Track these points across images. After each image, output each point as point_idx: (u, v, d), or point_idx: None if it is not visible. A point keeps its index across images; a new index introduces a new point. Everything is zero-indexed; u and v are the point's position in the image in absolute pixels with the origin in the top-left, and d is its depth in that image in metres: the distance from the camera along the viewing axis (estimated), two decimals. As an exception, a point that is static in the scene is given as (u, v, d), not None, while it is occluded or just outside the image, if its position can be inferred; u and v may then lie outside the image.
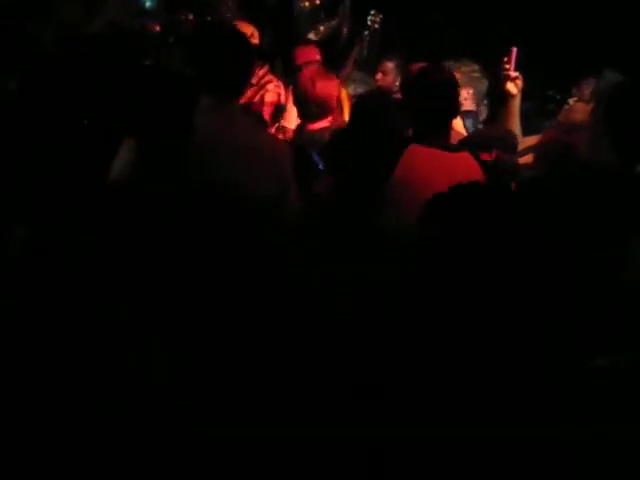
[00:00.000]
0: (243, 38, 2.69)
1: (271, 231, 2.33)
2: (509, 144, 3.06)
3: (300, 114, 3.61)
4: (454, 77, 2.77)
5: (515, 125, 3.24)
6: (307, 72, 3.71)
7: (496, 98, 3.45)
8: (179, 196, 2.02)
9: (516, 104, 3.24)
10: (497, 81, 3.29)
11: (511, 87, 3.21)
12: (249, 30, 4.34)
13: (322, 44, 5.01)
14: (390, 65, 4.69)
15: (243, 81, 2.68)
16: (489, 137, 3.13)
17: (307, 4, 5.05)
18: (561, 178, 2.40)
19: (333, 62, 4.84)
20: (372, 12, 4.86)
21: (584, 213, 2.16)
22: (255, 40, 4.42)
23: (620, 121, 2.22)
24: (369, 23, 4.88)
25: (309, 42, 5.02)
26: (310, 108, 3.50)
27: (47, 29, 3.30)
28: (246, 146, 2.51)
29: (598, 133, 2.26)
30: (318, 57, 4.78)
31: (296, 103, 3.66)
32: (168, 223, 1.97)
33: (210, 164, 2.31)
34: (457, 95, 2.76)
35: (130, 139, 2.17)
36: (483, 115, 4.35)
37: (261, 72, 4.47)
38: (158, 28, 4.35)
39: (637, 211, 2.09)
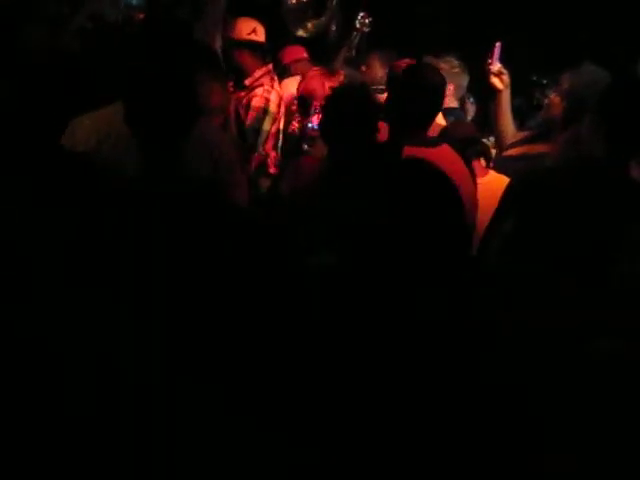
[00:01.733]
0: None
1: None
2: (466, 136, 3.20)
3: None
4: (442, 76, 2.84)
5: (506, 120, 3.34)
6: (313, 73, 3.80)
7: (488, 94, 3.54)
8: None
9: (505, 99, 3.35)
10: (483, 76, 3.39)
11: (496, 82, 3.32)
12: (252, 25, 4.38)
13: (311, 41, 5.09)
14: (375, 59, 4.76)
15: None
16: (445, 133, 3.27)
17: (295, 1, 5.13)
18: (552, 173, 2.48)
19: (321, 59, 4.94)
20: (361, 14, 4.92)
21: (578, 208, 2.24)
22: (258, 37, 4.46)
23: (615, 118, 2.30)
24: (358, 25, 4.94)
25: (296, 41, 5.11)
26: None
27: (33, 25, 3.36)
28: (195, 137, 2.45)
29: (591, 128, 2.33)
30: (305, 55, 4.87)
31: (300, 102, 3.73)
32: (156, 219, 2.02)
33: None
34: (443, 94, 2.84)
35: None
36: (471, 113, 4.45)
37: (258, 73, 4.44)
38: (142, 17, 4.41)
39: (630, 206, 2.17)
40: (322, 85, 3.73)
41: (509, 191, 2.79)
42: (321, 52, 5.12)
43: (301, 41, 5.15)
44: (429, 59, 3.89)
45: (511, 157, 3.43)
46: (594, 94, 2.90)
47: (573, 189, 2.28)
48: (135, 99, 2.16)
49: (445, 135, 3.35)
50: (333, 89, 3.42)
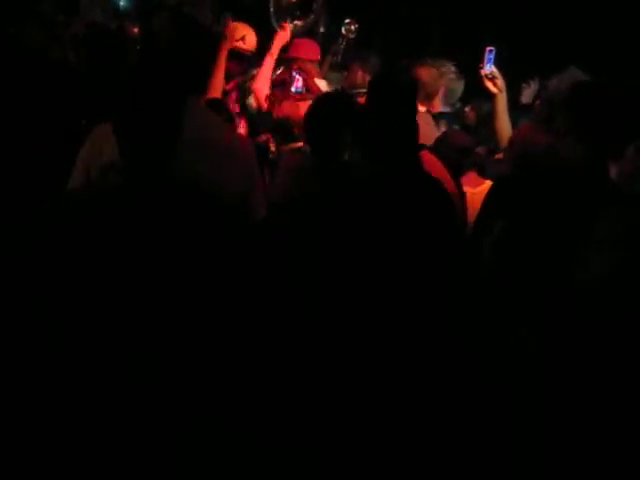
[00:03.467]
0: (204, 32, 2.75)
1: (239, 229, 2.43)
2: (462, 145, 3.37)
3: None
4: (414, 80, 2.99)
5: (502, 123, 3.50)
6: None
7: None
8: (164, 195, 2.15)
9: (500, 103, 3.50)
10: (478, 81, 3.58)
11: (490, 86, 3.49)
12: (242, 32, 4.54)
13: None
14: (355, 66, 4.92)
15: (204, 77, 2.77)
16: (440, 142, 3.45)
17: (283, 1, 5.27)
18: (531, 175, 2.65)
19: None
20: (347, 20, 5.04)
21: (552, 209, 2.41)
22: (246, 45, 4.62)
23: (590, 118, 2.47)
24: (343, 32, 5.08)
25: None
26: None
27: (28, 30, 3.51)
28: (212, 143, 2.58)
29: (566, 130, 2.49)
30: (318, 57, 4.89)
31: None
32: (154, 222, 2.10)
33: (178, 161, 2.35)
34: (415, 96, 3.00)
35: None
36: (471, 119, 4.59)
37: (239, 79, 4.56)
38: (136, 30, 4.56)
39: (603, 205, 2.34)
40: (296, 109, 3.93)
41: (492, 194, 2.96)
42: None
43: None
44: (425, 61, 4.05)
45: (497, 160, 3.61)
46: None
47: (554, 191, 2.45)
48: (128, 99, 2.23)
49: (441, 144, 3.51)
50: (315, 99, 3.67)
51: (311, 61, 4.56)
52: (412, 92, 2.78)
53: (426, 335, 1.86)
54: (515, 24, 5.61)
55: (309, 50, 4.60)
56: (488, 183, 3.61)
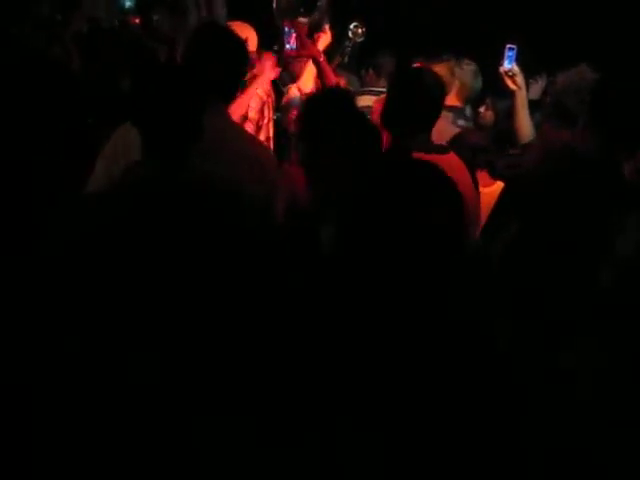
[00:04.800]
0: (236, 41, 2.81)
1: (262, 230, 2.52)
2: (477, 144, 3.42)
3: None
4: (440, 79, 3.04)
5: (523, 121, 3.54)
6: None
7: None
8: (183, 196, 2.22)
9: (519, 100, 3.56)
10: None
11: (509, 83, 3.56)
12: (244, 34, 4.59)
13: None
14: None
15: (233, 86, 2.83)
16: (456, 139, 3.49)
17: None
18: (545, 173, 2.69)
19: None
20: (354, 24, 5.11)
21: (567, 207, 2.45)
22: (249, 47, 4.68)
23: (607, 117, 2.50)
24: (350, 35, 5.15)
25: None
26: None
27: (26, 28, 3.55)
28: (232, 148, 2.67)
29: (584, 128, 2.53)
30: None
31: None
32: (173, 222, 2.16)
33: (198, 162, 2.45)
34: (444, 97, 3.04)
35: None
36: (490, 118, 4.63)
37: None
38: (138, 21, 4.62)
39: (623, 200, 2.37)
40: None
41: (506, 192, 2.99)
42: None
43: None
44: (444, 58, 4.12)
45: (509, 155, 3.66)
46: (579, 94, 3.15)
47: (569, 190, 2.48)
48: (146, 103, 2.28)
49: (456, 141, 3.53)
50: (310, 95, 3.71)
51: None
52: (441, 91, 2.84)
53: (426, 331, 1.88)
54: (523, 20, 5.65)
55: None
56: (499, 184, 3.64)
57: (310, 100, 2.99)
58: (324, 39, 4.36)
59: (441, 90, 2.96)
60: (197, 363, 2.07)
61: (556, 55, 4.19)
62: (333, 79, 3.82)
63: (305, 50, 4.00)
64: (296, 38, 4.01)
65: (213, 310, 2.12)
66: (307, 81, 4.29)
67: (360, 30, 5.00)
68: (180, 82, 2.22)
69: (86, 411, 1.99)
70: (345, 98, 3.11)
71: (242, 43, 2.84)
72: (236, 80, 2.84)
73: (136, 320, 2.09)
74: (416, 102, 2.86)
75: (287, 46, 3.98)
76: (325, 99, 2.91)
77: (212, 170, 2.34)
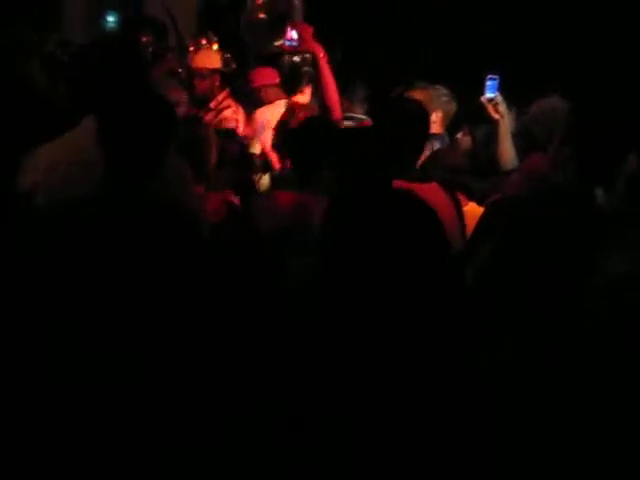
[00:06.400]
0: (127, 54, 2.93)
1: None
2: (452, 165, 3.55)
3: None
4: (423, 106, 3.15)
5: (505, 148, 3.68)
6: None
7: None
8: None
9: (502, 128, 3.70)
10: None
11: (491, 112, 3.70)
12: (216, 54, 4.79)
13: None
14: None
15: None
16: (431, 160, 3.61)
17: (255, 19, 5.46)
18: (529, 200, 2.79)
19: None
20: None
21: (551, 235, 2.54)
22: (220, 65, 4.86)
23: (582, 146, 2.62)
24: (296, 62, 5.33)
25: (265, 62, 5.45)
26: None
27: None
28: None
29: (557, 155, 2.65)
30: (277, 80, 5.19)
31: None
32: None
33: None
34: (428, 124, 3.14)
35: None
36: (466, 144, 4.77)
37: (220, 96, 4.94)
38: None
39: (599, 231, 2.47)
40: None
41: (484, 219, 3.09)
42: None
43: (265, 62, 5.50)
44: (419, 84, 4.25)
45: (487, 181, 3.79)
46: (548, 124, 3.29)
47: (545, 217, 2.58)
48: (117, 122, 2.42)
49: (433, 161, 3.66)
50: (295, 124, 3.86)
51: (272, 85, 5.00)
52: (424, 120, 2.93)
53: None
54: (499, 48, 5.81)
55: (268, 76, 5.04)
56: (472, 205, 3.75)
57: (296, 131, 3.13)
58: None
59: (425, 117, 3.06)
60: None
61: (528, 86, 4.35)
62: (331, 81, 3.89)
63: (306, 45, 4.06)
64: (298, 35, 4.08)
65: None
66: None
67: (309, 59, 5.17)
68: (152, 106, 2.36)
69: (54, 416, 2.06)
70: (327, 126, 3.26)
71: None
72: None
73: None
74: (401, 129, 2.95)
75: (286, 43, 4.02)
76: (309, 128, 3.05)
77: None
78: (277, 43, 4.91)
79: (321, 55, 3.99)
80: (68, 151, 2.65)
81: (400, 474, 1.79)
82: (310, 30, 4.05)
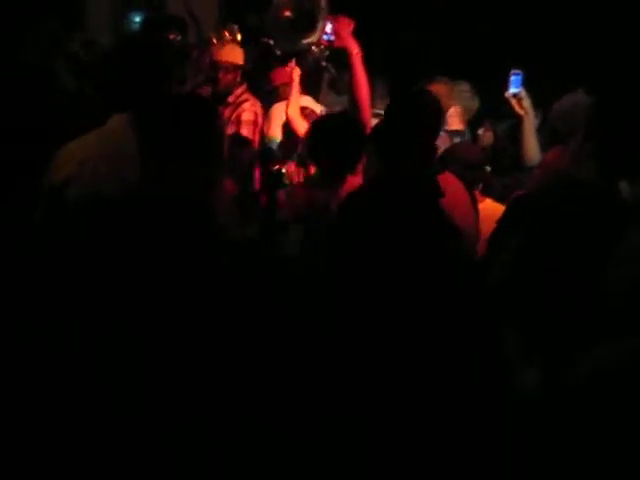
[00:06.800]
0: (159, 53, 2.95)
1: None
2: (469, 161, 3.56)
3: None
4: (438, 100, 3.18)
5: (530, 144, 3.72)
6: None
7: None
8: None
9: (526, 123, 3.73)
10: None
11: (516, 107, 3.74)
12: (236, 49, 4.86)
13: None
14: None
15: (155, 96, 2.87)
16: (449, 154, 3.64)
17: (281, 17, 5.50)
18: (549, 195, 2.82)
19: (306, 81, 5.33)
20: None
21: (572, 229, 2.57)
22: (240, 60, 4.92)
23: (604, 138, 2.64)
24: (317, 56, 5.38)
25: (284, 61, 5.52)
26: None
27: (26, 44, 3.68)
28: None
29: (580, 150, 2.67)
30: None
31: None
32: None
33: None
34: (442, 118, 3.18)
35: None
36: (487, 140, 4.80)
37: (238, 91, 5.02)
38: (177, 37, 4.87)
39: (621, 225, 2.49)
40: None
41: (507, 214, 3.12)
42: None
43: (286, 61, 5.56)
44: (441, 79, 4.28)
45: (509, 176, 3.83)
46: (570, 119, 3.31)
47: (568, 212, 2.61)
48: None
49: (451, 155, 3.69)
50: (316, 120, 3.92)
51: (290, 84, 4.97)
52: (438, 113, 2.96)
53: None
54: (523, 42, 5.82)
55: (287, 75, 5.04)
56: (488, 201, 3.78)
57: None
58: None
59: (437, 109, 3.10)
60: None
61: (553, 82, 4.37)
62: (364, 79, 3.93)
63: (339, 41, 4.07)
64: (332, 30, 4.11)
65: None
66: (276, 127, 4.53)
67: (325, 53, 5.20)
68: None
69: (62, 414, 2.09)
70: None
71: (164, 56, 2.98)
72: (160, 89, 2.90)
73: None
74: (412, 122, 2.99)
75: (324, 37, 4.09)
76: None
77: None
78: (306, 40, 4.97)
79: (355, 52, 3.97)
80: (97, 147, 2.70)
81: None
82: (350, 25, 4.04)
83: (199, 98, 2.67)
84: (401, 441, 1.91)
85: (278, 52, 4.77)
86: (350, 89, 4.00)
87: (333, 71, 5.33)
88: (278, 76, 5.37)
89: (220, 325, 2.17)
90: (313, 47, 5.23)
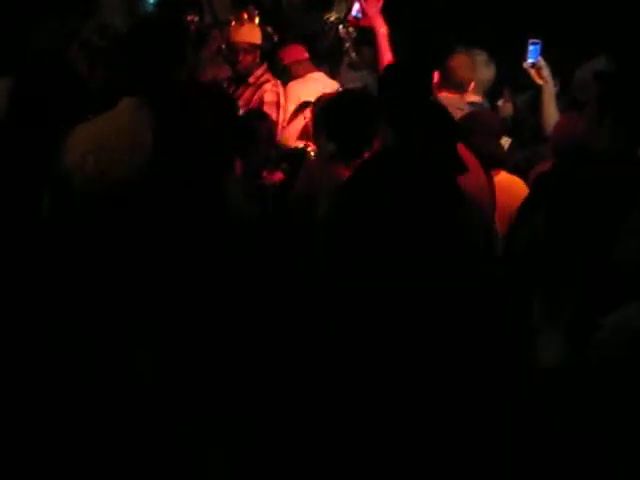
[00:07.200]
0: (175, 35, 2.91)
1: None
2: (491, 129, 3.51)
3: None
4: (422, 66, 3.16)
5: (550, 113, 3.70)
6: None
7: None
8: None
9: (546, 93, 3.72)
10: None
11: (535, 77, 3.71)
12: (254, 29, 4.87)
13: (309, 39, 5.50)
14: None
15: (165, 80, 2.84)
16: (469, 123, 3.59)
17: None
18: (568, 168, 2.80)
19: (319, 58, 5.35)
20: (341, 26, 5.30)
21: (587, 201, 2.55)
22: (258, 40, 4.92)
23: (621, 107, 2.61)
24: (342, 34, 5.35)
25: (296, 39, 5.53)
26: None
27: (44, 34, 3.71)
28: None
29: (595, 119, 2.63)
30: (306, 55, 5.26)
31: None
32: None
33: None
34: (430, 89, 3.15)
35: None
36: (507, 111, 4.76)
37: (259, 71, 5.02)
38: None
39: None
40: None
41: (533, 190, 3.11)
42: (318, 51, 5.54)
43: (301, 39, 5.56)
44: (458, 50, 4.25)
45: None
46: (588, 86, 3.26)
47: (590, 185, 2.59)
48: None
49: (470, 123, 3.61)
50: (332, 96, 3.90)
51: (302, 60, 5.13)
52: (420, 79, 2.94)
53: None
54: (541, 12, 5.74)
55: (297, 52, 5.16)
56: (503, 174, 3.73)
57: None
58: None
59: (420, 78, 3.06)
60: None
61: (572, 50, 4.31)
62: (389, 56, 3.90)
63: (366, 19, 4.07)
64: (361, 7, 4.11)
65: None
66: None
67: (351, 29, 5.18)
68: None
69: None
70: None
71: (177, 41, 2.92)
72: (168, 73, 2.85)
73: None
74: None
75: (353, 14, 4.14)
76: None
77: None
78: (326, 17, 4.93)
79: (381, 30, 3.95)
80: (101, 136, 2.70)
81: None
82: (378, 3, 4.05)
83: (211, 83, 2.66)
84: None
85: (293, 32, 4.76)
86: (376, 67, 3.99)
87: (353, 55, 5.33)
88: (288, 54, 5.38)
89: (229, 311, 2.18)
90: (340, 27, 5.26)
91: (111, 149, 2.64)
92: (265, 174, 4.33)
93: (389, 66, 3.15)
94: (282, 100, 4.97)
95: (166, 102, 2.55)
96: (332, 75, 5.23)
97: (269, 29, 5.30)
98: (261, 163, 4.07)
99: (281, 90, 5.02)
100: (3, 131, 2.83)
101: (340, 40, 5.44)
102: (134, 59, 2.81)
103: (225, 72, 5.18)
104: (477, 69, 4.32)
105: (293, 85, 5.08)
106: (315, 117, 4.18)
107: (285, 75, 5.20)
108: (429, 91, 3.00)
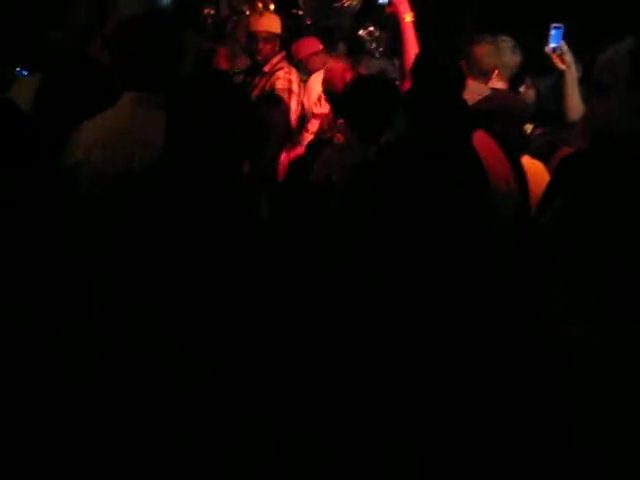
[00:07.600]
0: (170, 30, 2.87)
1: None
2: (515, 116, 3.50)
3: None
4: (454, 62, 3.14)
5: (572, 99, 3.68)
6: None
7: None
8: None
9: (568, 78, 3.70)
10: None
11: (557, 62, 3.70)
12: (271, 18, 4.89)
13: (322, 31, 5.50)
14: None
15: (166, 74, 2.82)
16: (492, 109, 3.56)
17: None
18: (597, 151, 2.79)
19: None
20: (366, 31, 5.30)
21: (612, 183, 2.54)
22: (276, 29, 4.93)
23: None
24: (363, 37, 5.36)
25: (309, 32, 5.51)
26: None
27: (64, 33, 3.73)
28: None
29: (623, 100, 2.62)
30: (321, 47, 5.24)
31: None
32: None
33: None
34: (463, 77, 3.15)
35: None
36: (531, 97, 4.72)
37: (275, 59, 5.00)
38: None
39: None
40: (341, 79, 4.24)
41: (556, 174, 3.11)
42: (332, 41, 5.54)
43: (314, 32, 5.56)
44: (482, 37, 4.24)
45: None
46: (612, 69, 3.25)
47: (615, 170, 2.58)
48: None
49: (487, 103, 3.58)
50: (354, 79, 3.91)
51: (317, 53, 5.14)
52: (453, 74, 2.95)
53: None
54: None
55: (311, 45, 5.17)
56: (526, 158, 3.69)
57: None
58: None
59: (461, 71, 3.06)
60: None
61: (593, 35, 4.28)
62: (412, 46, 3.87)
63: (393, 7, 4.02)
64: None
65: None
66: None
67: (374, 35, 5.17)
68: None
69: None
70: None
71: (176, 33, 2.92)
72: (168, 67, 2.85)
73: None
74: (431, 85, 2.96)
75: (379, 1, 4.17)
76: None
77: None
78: (338, 4, 4.93)
79: (407, 18, 3.91)
80: (102, 133, 2.71)
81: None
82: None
83: (222, 79, 2.66)
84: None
85: (308, 22, 4.75)
86: (400, 55, 3.99)
87: (377, 55, 5.31)
88: (302, 48, 5.37)
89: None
90: (362, 32, 5.24)
91: (110, 147, 2.65)
92: (284, 155, 4.36)
93: (421, 59, 3.13)
94: (295, 87, 4.95)
95: (169, 97, 2.53)
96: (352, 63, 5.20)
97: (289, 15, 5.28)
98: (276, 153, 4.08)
99: (295, 77, 5.00)
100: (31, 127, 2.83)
101: (360, 41, 5.41)
102: (126, 54, 2.81)
103: (242, 62, 5.18)
104: (503, 55, 4.29)
105: (313, 81, 5.05)
106: (333, 103, 4.19)
107: (299, 68, 5.21)
108: (462, 88, 3.00)
